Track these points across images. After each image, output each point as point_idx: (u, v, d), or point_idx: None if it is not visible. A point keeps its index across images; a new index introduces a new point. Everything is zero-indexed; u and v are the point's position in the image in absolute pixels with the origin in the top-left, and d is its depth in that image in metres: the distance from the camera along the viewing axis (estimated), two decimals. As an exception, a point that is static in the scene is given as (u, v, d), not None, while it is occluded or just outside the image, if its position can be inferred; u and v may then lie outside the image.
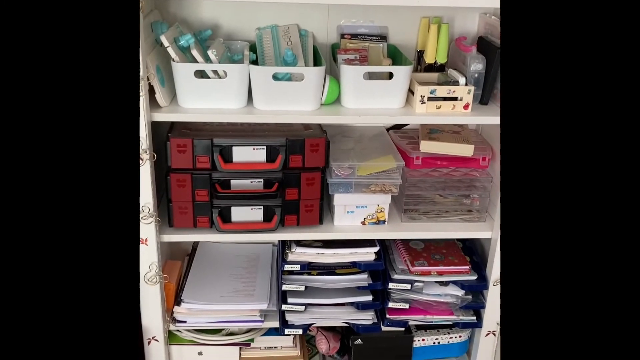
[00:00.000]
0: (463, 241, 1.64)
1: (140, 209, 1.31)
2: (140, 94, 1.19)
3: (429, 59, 1.48)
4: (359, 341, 1.56)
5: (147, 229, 1.34)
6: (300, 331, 1.50)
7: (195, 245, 1.73)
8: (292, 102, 1.32)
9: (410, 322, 1.55)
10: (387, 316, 1.51)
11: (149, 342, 1.46)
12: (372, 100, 1.36)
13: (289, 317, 1.49)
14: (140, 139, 1.24)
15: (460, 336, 1.63)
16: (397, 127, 1.65)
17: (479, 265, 1.54)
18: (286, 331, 1.49)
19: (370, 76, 1.37)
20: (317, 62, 1.41)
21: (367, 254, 1.47)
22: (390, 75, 1.35)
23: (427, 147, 1.45)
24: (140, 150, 1.25)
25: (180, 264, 1.63)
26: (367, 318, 1.51)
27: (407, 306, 1.51)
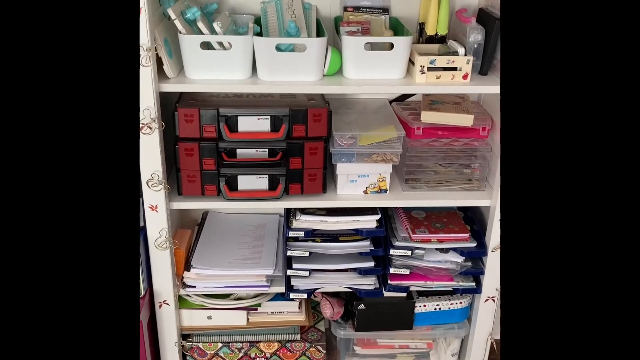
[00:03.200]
0: (464, 211, 1.68)
1: (150, 176, 1.37)
2: (148, 64, 1.24)
3: (430, 30, 1.51)
4: (362, 306, 1.62)
5: (157, 196, 1.39)
6: (304, 295, 1.56)
7: (204, 215, 1.79)
8: (295, 72, 1.36)
9: (412, 288, 1.60)
10: (389, 282, 1.56)
11: (160, 306, 1.53)
12: (373, 71, 1.39)
13: (294, 282, 1.55)
14: (149, 108, 1.29)
15: (461, 302, 1.68)
16: (400, 99, 1.68)
17: (479, 233, 1.58)
18: (291, 295, 1.55)
19: (372, 47, 1.41)
20: (320, 35, 1.44)
21: (369, 222, 1.52)
22: (392, 47, 1.38)
23: (428, 117, 1.48)
24: (149, 120, 1.31)
25: (190, 232, 1.69)
26: (369, 283, 1.57)
27: (407, 272, 1.55)
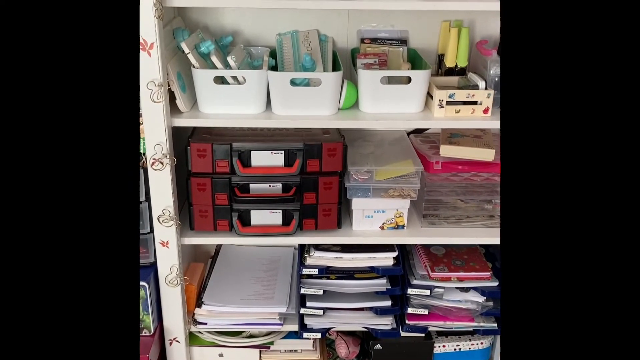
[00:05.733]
0: (486, 247, 1.61)
1: (161, 212, 1.34)
2: (159, 100, 1.22)
3: (449, 62, 1.47)
4: (378, 346, 1.56)
5: (168, 232, 1.36)
6: (318, 335, 1.51)
7: (218, 248, 1.75)
8: (310, 107, 1.33)
9: (430, 328, 1.53)
10: (406, 322, 1.50)
11: (171, 343, 1.49)
12: (390, 105, 1.35)
13: (307, 321, 1.50)
14: (161, 143, 1.27)
15: (482, 343, 1.61)
16: (419, 131, 1.64)
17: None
18: (305, 334, 1.50)
19: (390, 80, 1.37)
20: (336, 67, 1.41)
21: (386, 259, 1.46)
22: (409, 80, 1.34)
23: (447, 151, 1.44)
24: (161, 155, 1.28)
25: (202, 266, 1.65)
26: (386, 323, 1.51)
27: (426, 312, 1.50)
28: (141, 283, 1.38)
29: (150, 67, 1.20)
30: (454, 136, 1.49)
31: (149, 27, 1.17)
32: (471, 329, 1.55)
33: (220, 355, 1.57)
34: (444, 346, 1.59)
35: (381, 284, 1.48)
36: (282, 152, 1.37)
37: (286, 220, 1.42)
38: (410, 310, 1.49)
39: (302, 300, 1.50)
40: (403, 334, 1.51)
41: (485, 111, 1.35)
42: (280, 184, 1.40)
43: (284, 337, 1.58)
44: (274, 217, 1.42)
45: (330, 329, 1.51)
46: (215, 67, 1.32)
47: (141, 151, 1.31)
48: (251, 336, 1.57)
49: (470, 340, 1.61)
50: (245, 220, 1.42)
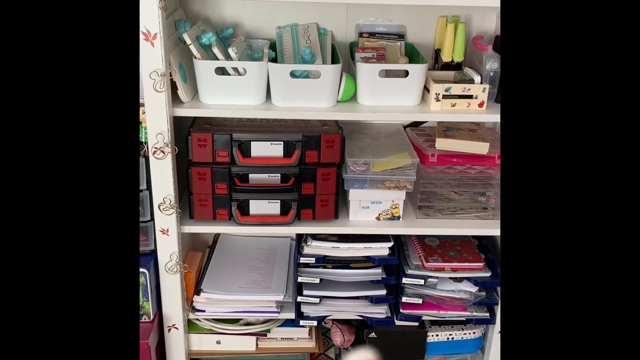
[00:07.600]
0: (479, 239, 1.65)
1: (162, 200, 1.36)
2: (162, 90, 1.25)
3: (445, 57, 1.50)
4: (373, 335, 1.59)
5: (169, 220, 1.39)
6: (315, 323, 1.54)
7: (216, 237, 1.78)
8: (309, 98, 1.35)
9: (424, 317, 1.57)
10: (401, 310, 1.54)
11: (169, 330, 1.52)
12: (387, 98, 1.38)
13: (304, 309, 1.53)
14: (162, 132, 1.30)
15: (474, 332, 1.64)
16: (415, 124, 1.67)
17: (494, 262, 1.55)
18: (301, 322, 1.53)
19: (387, 74, 1.40)
20: (335, 60, 1.44)
21: (381, 249, 1.50)
22: (407, 73, 1.37)
23: (443, 144, 1.47)
24: (162, 144, 1.31)
25: (201, 255, 1.68)
26: (380, 312, 1.54)
27: (420, 301, 1.53)
28: (141, 270, 1.40)
29: (154, 57, 1.22)
30: (449, 130, 1.52)
31: (152, 18, 1.19)
32: (464, 319, 1.59)
33: (218, 342, 1.60)
34: (437, 335, 1.63)
35: (376, 273, 1.51)
36: (282, 143, 1.39)
37: (284, 210, 1.45)
38: (404, 299, 1.52)
39: (299, 288, 1.53)
40: (397, 322, 1.55)
41: (481, 105, 1.38)
42: (279, 174, 1.42)
43: (281, 325, 1.61)
44: (272, 206, 1.45)
45: (326, 317, 1.54)
46: (216, 59, 1.34)
47: (143, 140, 1.33)
48: (248, 324, 1.60)
49: (463, 329, 1.64)
50: (244, 210, 1.45)
